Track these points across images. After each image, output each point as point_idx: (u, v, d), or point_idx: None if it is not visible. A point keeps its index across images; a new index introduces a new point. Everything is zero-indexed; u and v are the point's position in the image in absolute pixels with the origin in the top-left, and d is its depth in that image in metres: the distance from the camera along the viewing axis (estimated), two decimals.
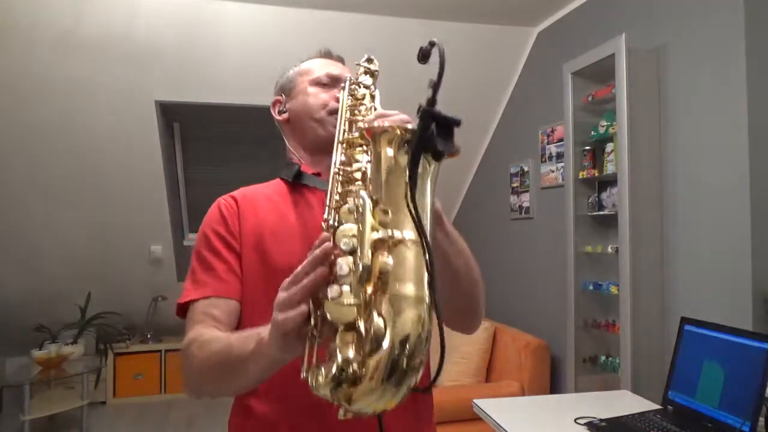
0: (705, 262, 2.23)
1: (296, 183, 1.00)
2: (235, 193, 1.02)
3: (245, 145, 4.33)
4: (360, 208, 0.54)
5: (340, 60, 1.12)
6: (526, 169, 3.59)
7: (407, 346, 0.50)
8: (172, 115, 3.83)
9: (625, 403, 2.01)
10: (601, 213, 2.68)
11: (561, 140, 3.07)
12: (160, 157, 3.71)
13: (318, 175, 1.01)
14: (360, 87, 0.94)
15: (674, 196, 2.38)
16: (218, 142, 4.25)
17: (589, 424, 1.68)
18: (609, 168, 2.59)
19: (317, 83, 1.05)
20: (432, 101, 0.52)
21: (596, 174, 2.67)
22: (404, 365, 0.50)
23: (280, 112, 1.10)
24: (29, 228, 3.82)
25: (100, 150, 3.57)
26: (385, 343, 0.50)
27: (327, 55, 1.12)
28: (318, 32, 3.21)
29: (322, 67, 1.08)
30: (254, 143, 4.32)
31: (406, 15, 3.25)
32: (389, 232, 0.53)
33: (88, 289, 4.17)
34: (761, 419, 1.55)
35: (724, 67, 2.13)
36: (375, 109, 0.89)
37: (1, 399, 4.10)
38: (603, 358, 2.67)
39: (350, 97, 0.92)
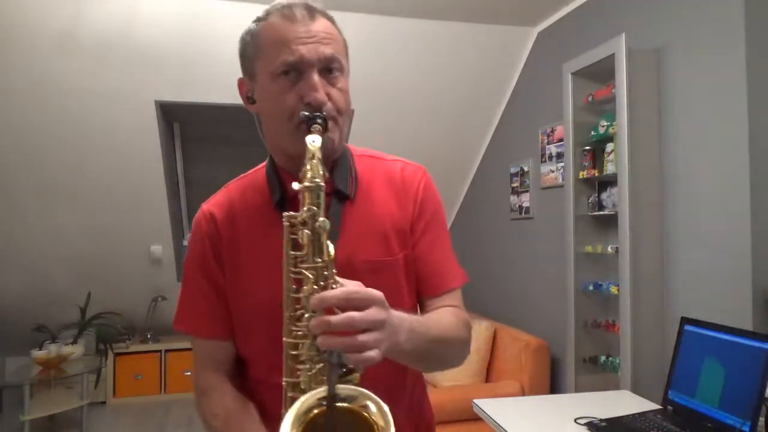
0: (705, 262, 2.23)
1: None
2: (215, 207, 0.95)
3: (245, 145, 4.32)
4: None
5: (308, 10, 0.84)
6: (526, 169, 3.59)
7: None
8: (172, 115, 3.83)
9: (625, 403, 2.01)
10: (601, 213, 2.68)
11: (561, 140, 3.07)
12: (160, 157, 3.71)
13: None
14: (300, 228, 0.73)
15: (674, 196, 2.38)
16: (218, 142, 4.26)
17: (589, 424, 1.68)
18: (609, 168, 2.59)
19: (276, 76, 0.83)
20: None
21: (596, 174, 2.67)
22: None
23: (249, 99, 0.91)
24: (29, 228, 3.82)
25: (100, 150, 3.57)
26: None
27: (288, 14, 0.84)
28: None
29: (278, 48, 0.82)
30: (254, 143, 4.31)
31: (406, 15, 3.25)
32: None
33: (88, 289, 4.17)
34: (761, 419, 1.55)
35: (724, 67, 2.13)
36: (324, 261, 0.72)
37: (1, 399, 4.10)
38: (603, 358, 2.67)
39: (292, 249, 0.74)
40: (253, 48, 0.87)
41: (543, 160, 3.38)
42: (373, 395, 0.64)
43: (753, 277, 2.02)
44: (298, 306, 0.73)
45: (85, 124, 3.43)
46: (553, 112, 3.16)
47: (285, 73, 0.82)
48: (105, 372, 4.23)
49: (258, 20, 0.88)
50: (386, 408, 0.63)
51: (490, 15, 3.32)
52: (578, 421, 1.71)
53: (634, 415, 1.76)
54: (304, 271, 0.71)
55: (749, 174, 2.03)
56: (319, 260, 0.71)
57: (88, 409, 3.77)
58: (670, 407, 1.81)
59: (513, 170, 3.74)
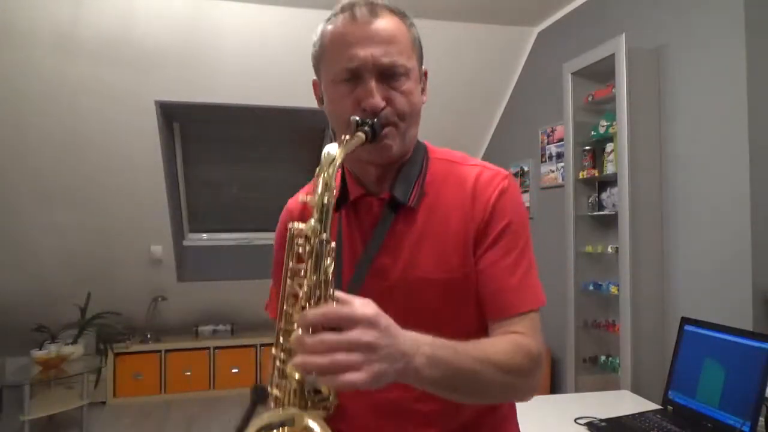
0: (705, 262, 2.23)
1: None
2: (293, 203, 0.96)
3: (245, 145, 4.33)
4: None
5: (370, 8, 0.81)
6: (526, 169, 3.59)
7: None
8: (172, 115, 3.83)
9: (625, 403, 2.01)
10: (601, 213, 2.68)
11: (561, 140, 3.07)
12: (160, 157, 3.71)
13: (364, 196, 0.88)
14: (302, 243, 0.70)
15: (674, 196, 2.38)
16: (218, 142, 4.26)
17: (589, 424, 1.68)
18: (609, 168, 2.59)
19: (336, 82, 0.82)
20: None
21: (596, 174, 2.67)
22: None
23: (321, 101, 0.89)
24: (29, 228, 3.82)
25: (101, 150, 3.57)
26: None
27: (349, 15, 0.81)
28: None
29: (338, 53, 0.81)
30: (254, 143, 4.32)
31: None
32: None
33: (88, 289, 4.17)
34: (761, 419, 1.55)
35: (724, 67, 2.13)
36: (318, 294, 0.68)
37: (1, 399, 4.09)
38: (603, 358, 2.67)
39: (293, 261, 0.71)
40: (319, 51, 0.85)
41: (543, 160, 3.38)
42: (311, 414, 0.63)
43: (753, 277, 2.02)
44: (289, 318, 0.70)
45: (85, 124, 3.42)
46: (553, 112, 3.16)
47: (345, 80, 0.81)
48: (105, 372, 4.23)
49: (325, 22, 0.85)
50: (321, 424, 0.62)
51: (490, 15, 3.32)
52: (578, 421, 1.71)
53: (634, 415, 1.75)
54: (296, 286, 0.69)
55: (749, 174, 2.03)
56: (314, 277, 0.67)
57: (88, 409, 3.76)
58: (670, 407, 1.81)
59: (513, 170, 3.73)
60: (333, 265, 0.68)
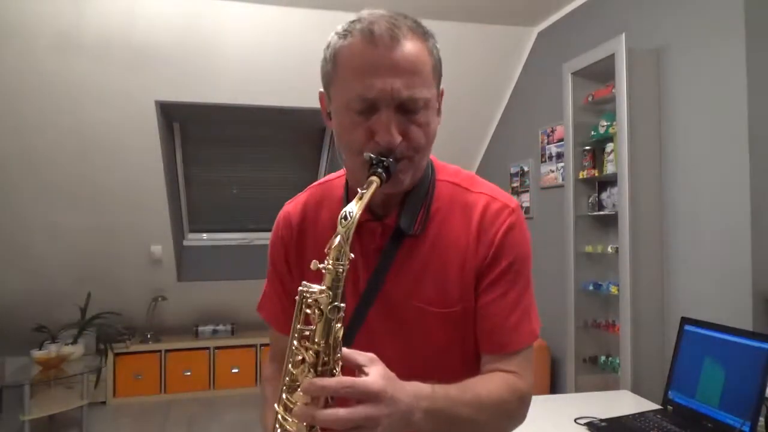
0: (705, 262, 2.23)
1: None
2: (294, 211, 0.94)
3: (245, 145, 4.33)
4: None
5: (390, 33, 0.74)
6: (526, 169, 3.59)
7: None
8: (172, 115, 3.83)
9: (625, 403, 2.01)
10: (601, 213, 2.68)
11: (561, 140, 3.07)
12: (160, 157, 3.71)
13: (369, 221, 0.84)
14: (312, 304, 0.67)
15: (674, 196, 2.38)
16: (218, 142, 4.26)
17: (589, 424, 1.68)
18: (609, 168, 2.59)
19: (349, 109, 0.76)
20: None
21: (596, 174, 2.67)
22: None
23: (328, 115, 0.84)
24: (29, 228, 3.82)
25: (100, 150, 3.57)
26: None
27: (368, 37, 0.74)
28: (318, 32, 3.20)
29: (354, 78, 0.74)
30: (254, 143, 4.32)
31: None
32: None
33: (88, 289, 4.17)
34: (761, 419, 1.55)
35: (724, 67, 2.13)
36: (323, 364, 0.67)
37: (1, 399, 4.09)
38: (603, 358, 2.67)
39: (300, 323, 0.69)
40: (331, 69, 0.78)
41: (543, 160, 3.38)
42: None
43: (753, 277, 2.02)
44: (294, 378, 0.69)
45: (85, 123, 3.42)
46: (553, 112, 3.16)
47: (359, 109, 0.75)
48: (105, 372, 4.23)
49: (339, 35, 0.78)
50: None
51: (490, 15, 3.32)
52: (578, 421, 1.71)
53: (634, 415, 1.75)
54: (303, 350, 0.68)
55: (749, 174, 2.03)
56: (323, 342, 0.66)
57: (88, 409, 3.76)
58: (670, 407, 1.81)
59: (513, 170, 3.74)
60: (342, 330, 0.67)
